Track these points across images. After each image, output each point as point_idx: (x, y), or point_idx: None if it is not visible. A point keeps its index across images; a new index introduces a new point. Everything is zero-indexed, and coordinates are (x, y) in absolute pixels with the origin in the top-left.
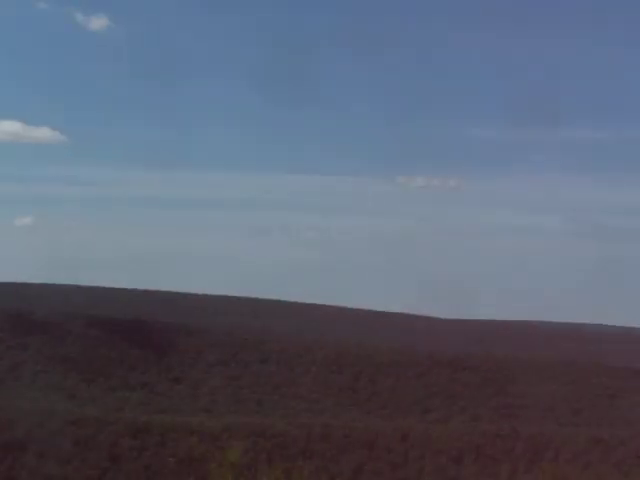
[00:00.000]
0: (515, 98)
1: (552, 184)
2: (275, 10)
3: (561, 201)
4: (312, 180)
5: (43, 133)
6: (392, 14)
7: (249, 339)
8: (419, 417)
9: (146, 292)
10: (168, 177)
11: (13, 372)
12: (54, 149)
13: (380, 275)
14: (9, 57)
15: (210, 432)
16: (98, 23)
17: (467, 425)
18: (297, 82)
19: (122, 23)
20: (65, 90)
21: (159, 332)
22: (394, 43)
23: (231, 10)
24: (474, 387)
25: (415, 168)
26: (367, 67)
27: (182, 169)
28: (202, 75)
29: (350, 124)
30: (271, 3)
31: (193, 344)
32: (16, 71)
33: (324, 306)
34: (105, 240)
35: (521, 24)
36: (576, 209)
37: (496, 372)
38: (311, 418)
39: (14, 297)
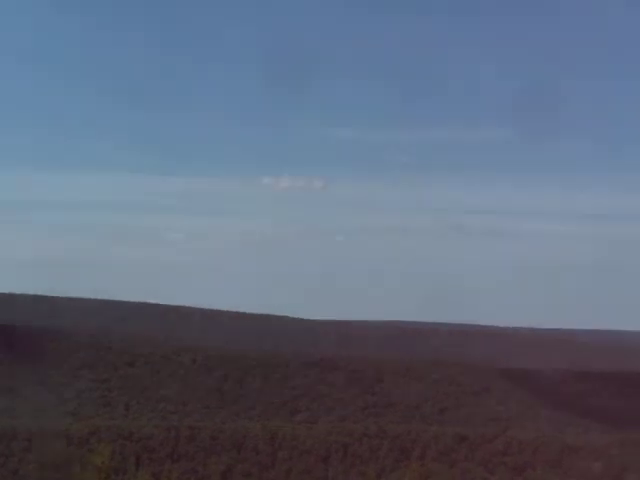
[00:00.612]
0: (378, 99)
1: (418, 184)
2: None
3: (426, 201)
4: (179, 182)
5: None
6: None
7: (116, 342)
8: (287, 418)
9: (12, 296)
10: None
11: None
12: None
13: (246, 277)
14: None
15: (78, 436)
16: None
17: (334, 425)
18: (162, 84)
19: None
20: None
21: (23, 336)
22: (250, 43)
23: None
24: (340, 387)
25: (281, 169)
26: (226, 70)
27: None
28: None
29: (213, 125)
30: None
31: (58, 347)
32: None
33: (191, 308)
34: None
35: (385, 20)
36: (440, 209)
37: (362, 372)
38: (179, 420)
39: None
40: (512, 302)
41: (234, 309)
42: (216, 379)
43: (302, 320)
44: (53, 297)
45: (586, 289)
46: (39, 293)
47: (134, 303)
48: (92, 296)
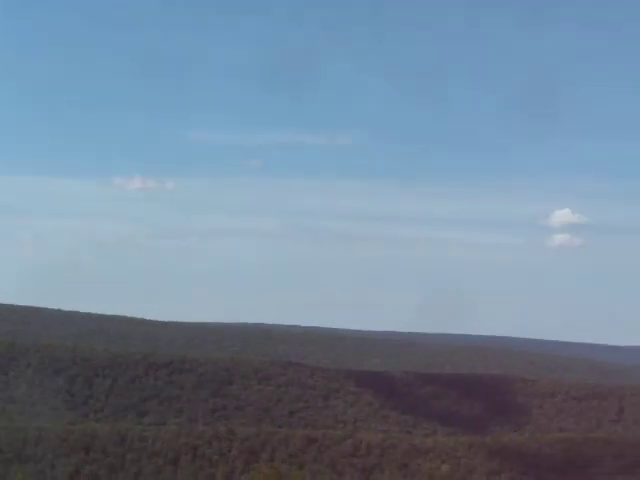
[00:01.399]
0: (233, 102)
1: (268, 188)
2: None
3: (276, 204)
4: (27, 181)
5: None
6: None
7: None
8: (136, 420)
9: None
10: None
11: None
12: None
13: (95, 277)
14: None
15: None
16: None
17: (183, 427)
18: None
19: None
20: None
21: None
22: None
23: None
24: (190, 389)
25: (132, 169)
26: (75, 71)
27: None
28: None
29: (64, 124)
30: None
31: None
32: None
33: (40, 309)
34: None
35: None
36: (291, 212)
37: (212, 374)
38: (26, 422)
39: None
40: (367, 305)
41: (84, 309)
42: (64, 380)
43: (153, 322)
44: None
45: (440, 292)
46: None
47: None
48: None
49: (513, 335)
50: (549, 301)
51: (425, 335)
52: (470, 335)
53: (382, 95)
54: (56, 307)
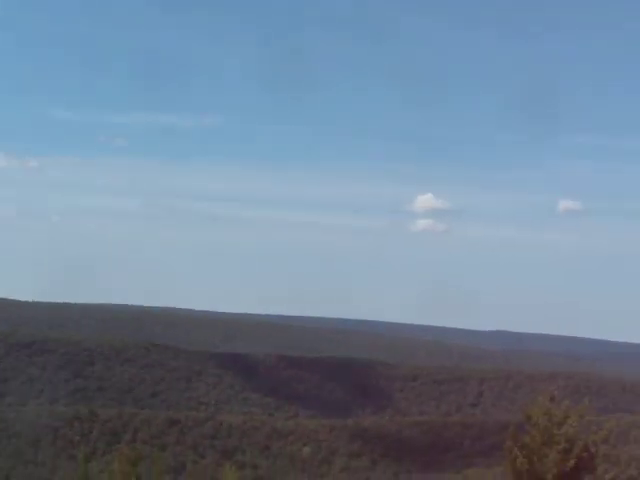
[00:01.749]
0: (96, 81)
1: (132, 168)
2: None
3: (140, 185)
4: None
5: None
6: None
7: None
8: None
9: None
10: None
11: None
12: None
13: None
14: None
15: None
16: None
17: (44, 408)
18: None
19: None
20: None
21: None
22: None
23: None
24: (51, 370)
25: None
26: None
27: None
28: None
29: None
30: None
31: None
32: None
33: None
34: None
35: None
36: (154, 193)
37: (74, 355)
38: None
39: None
40: (230, 287)
41: None
42: None
43: (15, 302)
44: None
45: (300, 276)
46: None
47: None
48: None
49: (375, 319)
50: (410, 285)
51: (287, 318)
52: (333, 318)
53: (249, 76)
54: None
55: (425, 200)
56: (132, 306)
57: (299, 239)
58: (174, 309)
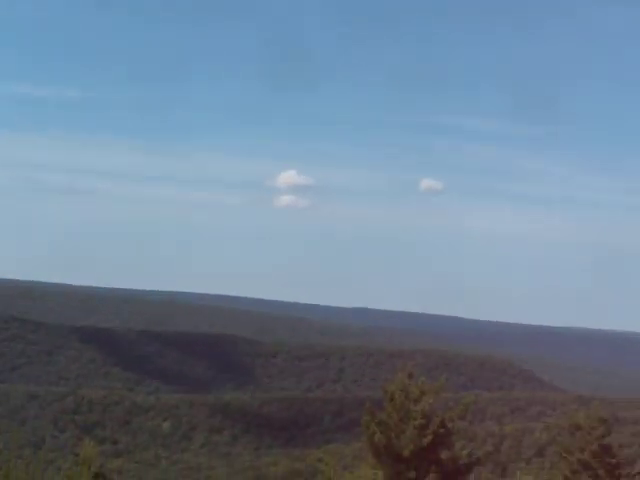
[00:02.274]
0: None
1: None
2: None
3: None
4: None
5: None
6: None
7: None
8: None
9: None
10: None
11: None
12: None
13: None
14: None
15: None
16: None
17: None
18: None
19: None
20: None
21: None
22: None
23: None
24: None
25: None
26: None
27: None
28: None
29: None
30: None
31: None
32: None
33: None
34: None
35: None
36: (17, 166)
37: None
38: None
39: None
40: (91, 261)
41: None
42: None
43: None
44: None
45: (163, 251)
46: None
47: None
48: None
49: (236, 294)
50: (274, 261)
51: (150, 292)
52: (193, 293)
53: (110, 46)
54: None
55: (288, 177)
56: None
57: (162, 213)
58: (32, 282)
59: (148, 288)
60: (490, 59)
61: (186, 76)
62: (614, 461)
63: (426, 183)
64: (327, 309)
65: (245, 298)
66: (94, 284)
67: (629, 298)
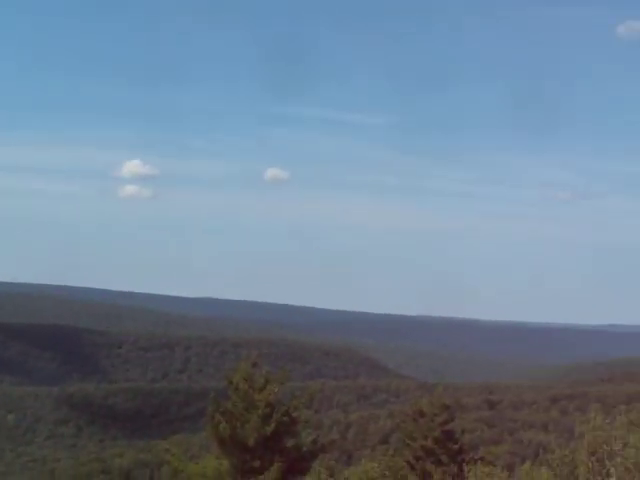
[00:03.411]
0: None
1: None
2: None
3: None
4: None
5: None
6: None
7: None
8: None
9: None
10: None
11: None
12: None
13: None
14: None
15: None
16: None
17: None
18: None
19: None
20: None
21: None
22: None
23: None
24: None
25: None
26: None
27: None
28: None
29: None
30: None
31: None
32: None
33: None
34: None
35: None
36: None
37: None
38: None
39: None
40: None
41: None
42: None
43: None
44: None
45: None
46: None
47: None
48: None
49: (80, 285)
50: (117, 251)
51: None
52: (39, 284)
53: None
54: None
55: (132, 166)
56: None
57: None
58: None
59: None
60: (335, 51)
61: (26, 67)
62: (456, 447)
63: (271, 172)
64: (171, 299)
65: (89, 289)
66: None
67: (467, 286)
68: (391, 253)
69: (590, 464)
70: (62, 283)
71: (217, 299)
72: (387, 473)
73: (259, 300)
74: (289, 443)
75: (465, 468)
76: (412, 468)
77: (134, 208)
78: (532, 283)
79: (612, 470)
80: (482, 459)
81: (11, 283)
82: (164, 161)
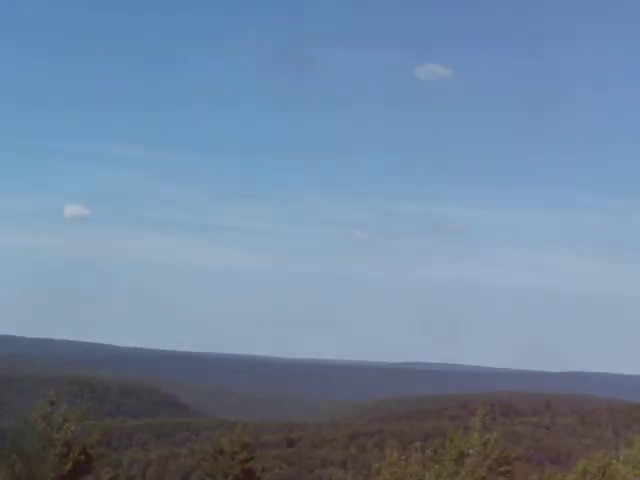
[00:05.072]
0: None
1: None
2: None
3: None
4: None
5: None
6: None
7: None
8: None
9: None
10: None
11: None
12: None
13: None
14: None
15: None
16: None
17: None
18: None
19: None
20: None
21: None
22: None
23: None
24: None
25: None
26: None
27: None
28: None
29: None
30: None
31: None
32: None
33: None
34: None
35: None
36: None
37: None
38: None
39: None
40: None
41: None
42: None
43: None
44: None
45: None
46: None
47: None
48: None
49: None
50: None
51: None
52: None
53: None
54: None
55: None
56: None
57: None
58: None
59: None
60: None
61: None
62: None
63: (71, 209)
64: None
65: None
66: None
67: (262, 322)
68: (187, 289)
69: None
70: None
71: (14, 336)
72: None
73: (56, 338)
74: None
75: None
76: None
77: None
78: (326, 320)
79: None
80: None
81: None
82: None
